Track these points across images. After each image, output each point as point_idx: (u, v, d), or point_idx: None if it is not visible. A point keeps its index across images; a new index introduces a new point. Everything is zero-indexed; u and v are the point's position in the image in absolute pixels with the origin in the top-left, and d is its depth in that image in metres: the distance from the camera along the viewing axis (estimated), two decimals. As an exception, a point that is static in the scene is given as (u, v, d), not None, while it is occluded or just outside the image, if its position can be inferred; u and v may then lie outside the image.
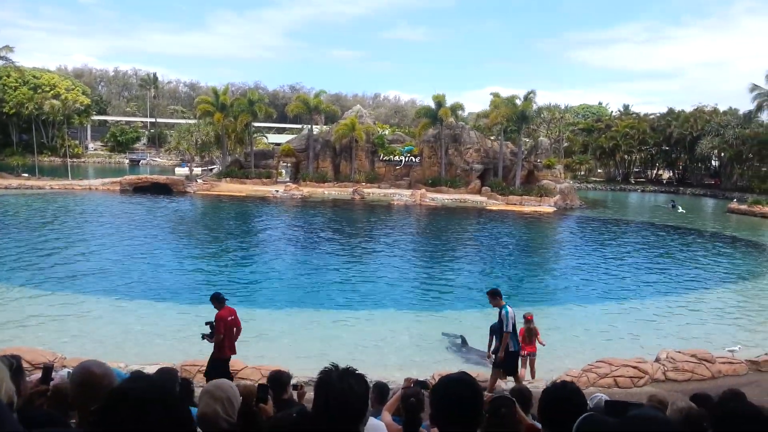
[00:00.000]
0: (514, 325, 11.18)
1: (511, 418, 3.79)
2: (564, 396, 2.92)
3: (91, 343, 13.69)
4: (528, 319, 12.68)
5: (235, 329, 10.74)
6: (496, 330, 12.54)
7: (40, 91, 76.37)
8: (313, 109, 59.50)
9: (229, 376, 10.10)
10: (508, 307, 11.08)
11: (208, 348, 10.81)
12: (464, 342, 14.63)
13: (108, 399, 1.63)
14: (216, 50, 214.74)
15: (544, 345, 12.77)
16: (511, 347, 11.85)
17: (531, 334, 12.54)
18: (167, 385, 1.78)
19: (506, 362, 11.30)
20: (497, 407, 3.79)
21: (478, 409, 2.69)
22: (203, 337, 10.59)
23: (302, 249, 28.53)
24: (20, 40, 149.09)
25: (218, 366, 10.16)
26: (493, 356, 11.64)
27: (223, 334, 10.35)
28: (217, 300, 10.62)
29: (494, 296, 11.20)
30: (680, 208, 52.25)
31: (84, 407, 2.54)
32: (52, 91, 76.41)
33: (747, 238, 37.37)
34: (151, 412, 1.58)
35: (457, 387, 2.70)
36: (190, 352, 12.93)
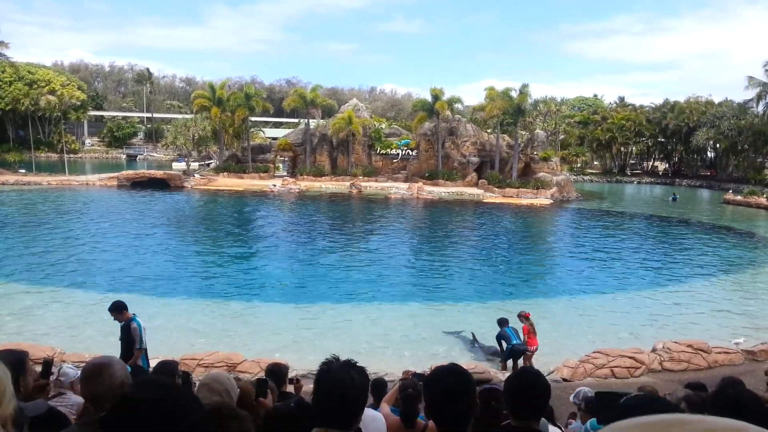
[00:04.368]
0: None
1: (502, 411, 3.81)
2: (526, 382, 2.91)
3: (91, 338, 13.74)
4: (526, 317, 12.85)
5: None
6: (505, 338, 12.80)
7: (35, 86, 76.02)
8: (309, 103, 59.38)
9: None
10: (138, 318, 9.26)
11: (207, 342, 10.84)
12: (474, 338, 14.51)
13: (118, 405, 1.62)
14: (211, 44, 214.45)
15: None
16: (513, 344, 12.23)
17: (533, 329, 12.80)
18: (181, 390, 1.74)
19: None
20: (487, 399, 3.81)
21: (469, 400, 2.67)
22: None
23: (300, 243, 28.53)
24: (14, 34, 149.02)
25: None
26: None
27: None
28: None
29: (118, 311, 9.11)
30: (677, 198, 52.86)
31: (91, 399, 2.59)
32: (47, 87, 76.04)
33: (743, 229, 37.48)
34: (162, 420, 1.54)
35: (447, 378, 2.70)
36: (181, 347, 12.97)
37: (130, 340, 9.03)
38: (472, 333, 14.66)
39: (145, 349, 9.12)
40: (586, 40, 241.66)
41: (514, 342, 12.58)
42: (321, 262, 23.85)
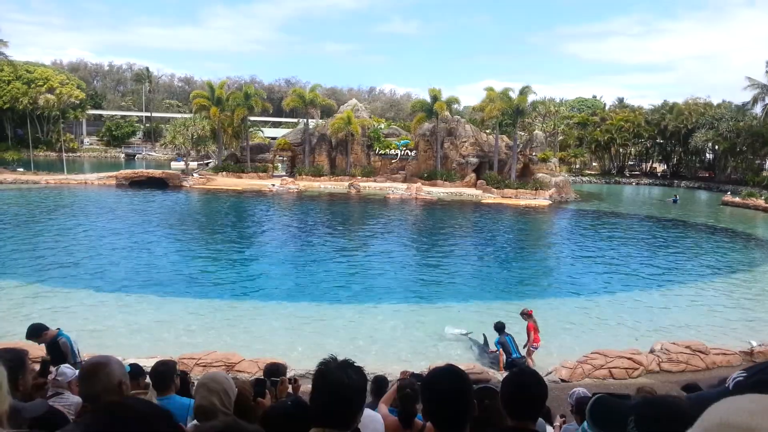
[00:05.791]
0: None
1: (496, 410, 3.79)
2: (522, 382, 2.89)
3: (88, 337, 13.69)
4: (529, 314, 12.87)
5: None
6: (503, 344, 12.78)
7: (33, 85, 75.91)
8: (308, 103, 59.32)
9: None
10: (65, 332, 8.63)
11: (205, 341, 10.83)
12: (486, 341, 14.20)
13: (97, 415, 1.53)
14: (209, 44, 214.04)
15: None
16: (513, 354, 12.25)
17: (536, 325, 12.86)
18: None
19: None
20: (480, 399, 3.79)
21: (467, 402, 2.66)
22: None
23: (299, 243, 28.51)
24: (13, 34, 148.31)
25: None
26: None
27: None
28: None
29: (36, 335, 8.36)
30: (678, 201, 53.00)
31: (88, 398, 2.59)
32: (45, 85, 75.91)
33: (741, 230, 37.51)
34: None
35: (444, 379, 2.70)
36: (179, 346, 12.96)
37: (61, 357, 8.03)
38: (484, 335, 14.39)
39: (81, 362, 7.83)
40: (584, 41, 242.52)
41: (515, 356, 12.43)
42: (319, 261, 23.83)
